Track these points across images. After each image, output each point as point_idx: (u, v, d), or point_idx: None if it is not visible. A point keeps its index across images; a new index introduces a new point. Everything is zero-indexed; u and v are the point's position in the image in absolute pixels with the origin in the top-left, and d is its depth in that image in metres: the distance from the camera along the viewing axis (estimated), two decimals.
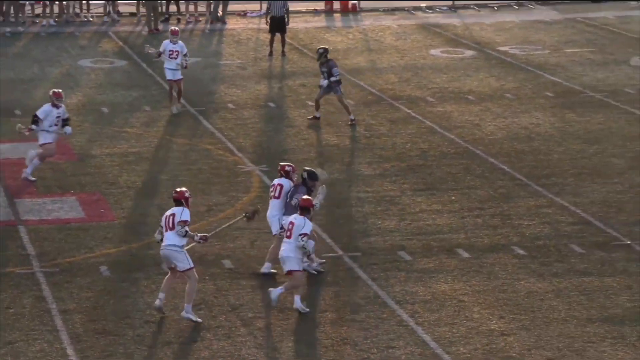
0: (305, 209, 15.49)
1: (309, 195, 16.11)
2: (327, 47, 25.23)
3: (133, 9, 37.25)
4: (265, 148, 23.25)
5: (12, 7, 35.45)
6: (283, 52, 31.55)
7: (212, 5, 36.91)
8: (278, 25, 31.46)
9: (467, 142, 23.54)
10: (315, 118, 24.85)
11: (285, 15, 31.58)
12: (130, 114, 25.75)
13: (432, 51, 32.47)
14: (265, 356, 14.26)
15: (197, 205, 19.62)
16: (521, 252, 17.64)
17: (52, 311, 15.46)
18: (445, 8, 38.97)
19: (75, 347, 14.39)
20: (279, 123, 25.14)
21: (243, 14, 37.86)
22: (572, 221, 18.97)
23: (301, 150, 23.02)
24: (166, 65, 25.31)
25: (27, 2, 36.01)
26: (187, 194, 15.48)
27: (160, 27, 35.22)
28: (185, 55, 25.25)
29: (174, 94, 25.47)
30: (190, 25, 36.24)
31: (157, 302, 15.24)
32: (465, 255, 17.54)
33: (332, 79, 24.24)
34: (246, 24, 36.51)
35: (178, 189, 15.67)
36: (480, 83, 28.64)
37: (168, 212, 15.39)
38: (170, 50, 25.17)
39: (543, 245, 17.90)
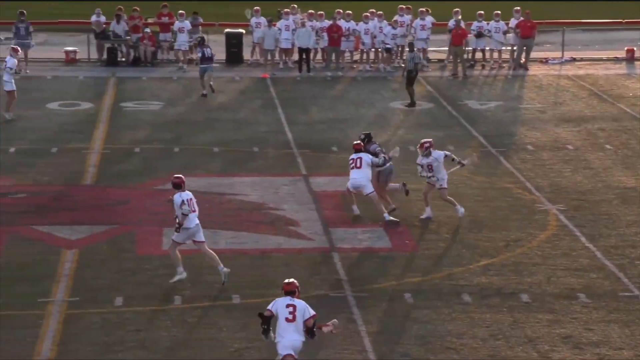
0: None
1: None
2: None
3: (442, 56, 37.55)
4: (562, 188, 22.78)
5: (333, 54, 36.49)
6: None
7: (515, 53, 36.65)
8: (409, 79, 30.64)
9: None
10: None
11: (414, 69, 30.56)
12: None
13: None
14: None
15: (496, 241, 19.48)
16: None
17: (361, 333, 15.72)
18: None
19: None
20: (577, 164, 24.58)
21: (545, 61, 37.37)
22: None
23: (598, 192, 22.39)
24: (6, 78, 28.00)
25: (347, 50, 36.96)
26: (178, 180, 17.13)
27: (467, 73, 35.31)
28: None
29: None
30: (494, 71, 36.14)
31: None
32: None
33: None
34: (547, 70, 36.04)
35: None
36: None
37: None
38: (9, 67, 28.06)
39: None
